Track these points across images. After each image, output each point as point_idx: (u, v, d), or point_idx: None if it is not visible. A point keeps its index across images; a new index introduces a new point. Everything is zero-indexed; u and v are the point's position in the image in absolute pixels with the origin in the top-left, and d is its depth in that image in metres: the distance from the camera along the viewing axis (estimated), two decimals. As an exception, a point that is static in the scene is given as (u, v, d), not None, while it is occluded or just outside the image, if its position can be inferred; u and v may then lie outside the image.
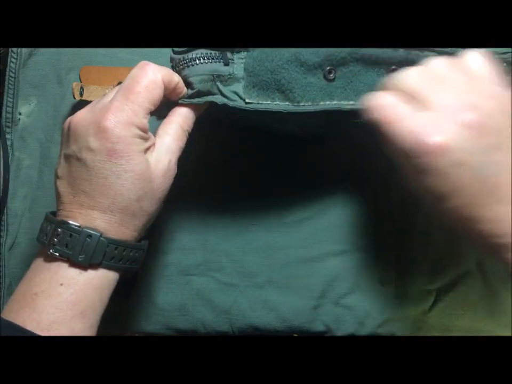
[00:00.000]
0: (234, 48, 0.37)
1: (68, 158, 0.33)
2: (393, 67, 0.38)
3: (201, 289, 0.46)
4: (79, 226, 0.32)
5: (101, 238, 0.31)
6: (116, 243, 0.32)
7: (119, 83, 0.44)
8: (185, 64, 0.37)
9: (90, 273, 0.32)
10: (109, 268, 0.32)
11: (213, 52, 0.38)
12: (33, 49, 0.48)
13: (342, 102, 0.37)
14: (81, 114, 0.34)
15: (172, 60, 0.39)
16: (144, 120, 0.32)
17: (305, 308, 0.46)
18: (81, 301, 0.31)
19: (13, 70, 0.47)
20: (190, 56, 0.38)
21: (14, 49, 0.47)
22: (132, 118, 0.32)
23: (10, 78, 0.47)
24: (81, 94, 0.45)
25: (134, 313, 0.46)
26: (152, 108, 0.33)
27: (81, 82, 0.47)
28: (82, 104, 0.47)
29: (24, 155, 0.48)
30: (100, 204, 0.32)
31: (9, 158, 0.47)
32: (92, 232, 0.31)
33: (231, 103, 0.36)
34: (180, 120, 0.35)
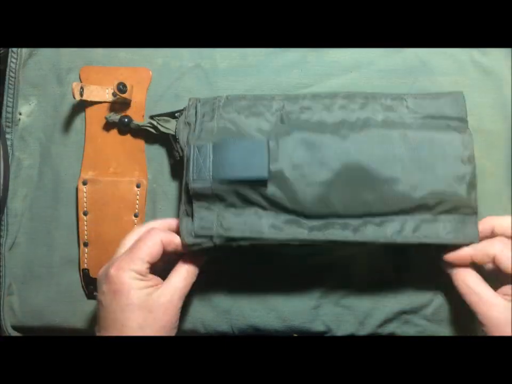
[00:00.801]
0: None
1: (97, 300, 0.40)
2: None
3: (201, 289, 0.46)
4: None
5: None
6: None
7: (119, 83, 0.44)
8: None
9: None
10: None
11: None
12: (33, 49, 0.47)
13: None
14: (102, 267, 0.41)
15: None
16: (142, 267, 0.39)
17: (306, 308, 0.46)
18: None
19: (13, 70, 0.47)
20: None
21: (14, 49, 0.47)
22: (130, 265, 0.38)
23: (10, 78, 0.47)
24: (81, 94, 0.45)
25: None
26: (149, 259, 0.39)
27: (81, 82, 0.47)
28: (82, 104, 0.47)
29: (24, 155, 0.48)
30: (108, 333, 0.38)
31: (9, 158, 0.47)
32: None
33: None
34: (187, 265, 0.41)
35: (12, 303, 0.47)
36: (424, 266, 0.45)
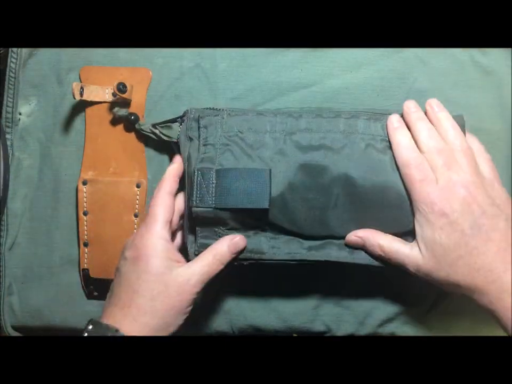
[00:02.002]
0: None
1: (116, 269, 0.41)
2: None
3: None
4: (101, 322, 0.37)
5: (116, 332, 0.36)
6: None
7: (119, 83, 0.44)
8: None
9: None
10: None
11: None
12: (33, 49, 0.47)
13: None
14: (132, 236, 0.41)
15: None
16: (165, 231, 0.39)
17: (306, 308, 0.46)
18: None
19: (13, 70, 0.47)
20: None
21: (14, 49, 0.47)
22: (154, 230, 0.39)
23: (10, 78, 0.47)
24: (81, 94, 0.45)
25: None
26: (168, 217, 0.40)
27: (81, 82, 0.47)
28: (82, 104, 0.47)
29: (24, 155, 0.48)
30: (121, 301, 0.38)
31: (9, 158, 0.47)
32: (110, 327, 0.37)
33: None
34: (214, 252, 0.40)
35: (12, 303, 0.47)
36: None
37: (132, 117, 0.45)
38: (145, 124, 0.45)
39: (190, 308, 0.39)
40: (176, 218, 0.42)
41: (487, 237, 0.36)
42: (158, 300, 0.37)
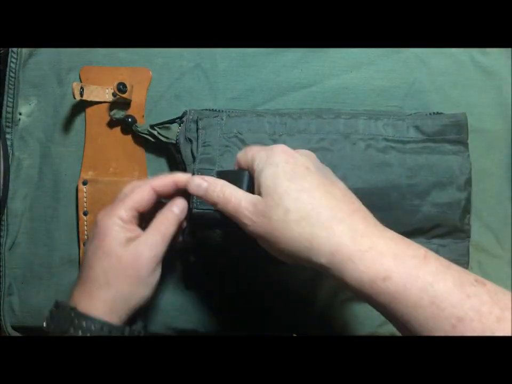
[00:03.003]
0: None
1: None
2: None
3: (201, 289, 0.46)
4: (60, 303, 0.38)
5: (70, 310, 0.36)
6: (83, 316, 0.36)
7: (119, 83, 0.44)
8: None
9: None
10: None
11: None
12: (33, 49, 0.47)
13: None
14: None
15: None
16: (127, 214, 0.39)
17: (306, 308, 0.46)
18: None
19: (13, 70, 0.47)
20: None
21: (14, 49, 0.47)
22: (115, 211, 0.39)
23: (10, 78, 0.47)
24: (81, 94, 0.45)
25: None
26: (138, 206, 0.39)
27: (81, 82, 0.47)
28: (82, 104, 0.47)
29: (24, 155, 0.48)
30: (80, 277, 0.38)
31: (9, 158, 0.47)
32: (64, 305, 0.37)
33: None
34: (162, 218, 0.39)
35: (11, 303, 0.47)
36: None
37: (129, 119, 0.45)
38: (143, 126, 0.45)
39: (152, 279, 0.38)
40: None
41: None
42: (111, 272, 0.37)
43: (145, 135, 0.45)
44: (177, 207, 0.40)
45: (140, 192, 0.39)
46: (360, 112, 0.42)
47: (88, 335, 0.35)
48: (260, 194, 0.33)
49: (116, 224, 0.38)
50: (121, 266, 0.37)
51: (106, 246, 0.37)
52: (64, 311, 0.36)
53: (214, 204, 0.36)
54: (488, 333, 0.28)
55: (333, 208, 0.32)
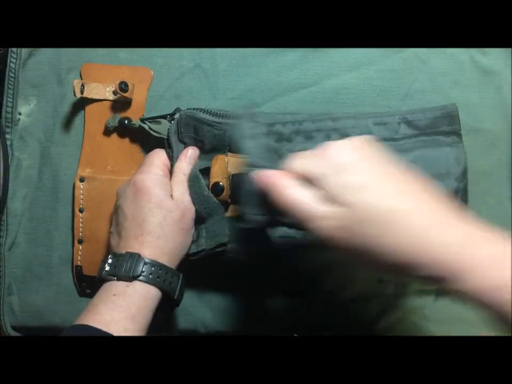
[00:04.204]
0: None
1: (115, 210, 0.43)
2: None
3: (201, 289, 0.46)
4: (121, 253, 0.40)
5: (139, 257, 0.39)
6: (152, 262, 0.39)
7: (121, 82, 0.44)
8: None
9: (136, 286, 0.38)
10: (147, 282, 0.38)
11: None
12: (33, 49, 0.47)
13: None
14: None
15: None
16: (159, 170, 0.42)
17: (305, 308, 0.46)
18: (130, 307, 0.37)
19: (13, 70, 0.47)
20: None
21: (14, 49, 0.47)
22: (153, 169, 0.42)
23: (10, 78, 0.47)
24: (82, 92, 0.45)
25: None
26: (162, 165, 0.43)
27: (82, 79, 0.47)
28: (82, 103, 0.47)
29: (24, 155, 0.48)
30: (132, 232, 0.40)
31: (9, 158, 0.47)
32: (132, 253, 0.39)
33: None
34: (178, 171, 0.43)
35: (11, 303, 0.47)
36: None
37: (125, 121, 0.45)
38: (136, 122, 0.45)
39: (192, 230, 0.42)
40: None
41: None
42: (165, 224, 0.40)
43: (135, 127, 0.45)
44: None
45: (162, 157, 0.43)
46: (361, 114, 0.42)
47: (158, 280, 0.38)
48: (332, 203, 0.31)
49: (159, 180, 0.41)
50: (174, 220, 0.40)
51: (153, 198, 0.40)
52: (133, 257, 0.38)
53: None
54: None
55: (433, 211, 0.30)
